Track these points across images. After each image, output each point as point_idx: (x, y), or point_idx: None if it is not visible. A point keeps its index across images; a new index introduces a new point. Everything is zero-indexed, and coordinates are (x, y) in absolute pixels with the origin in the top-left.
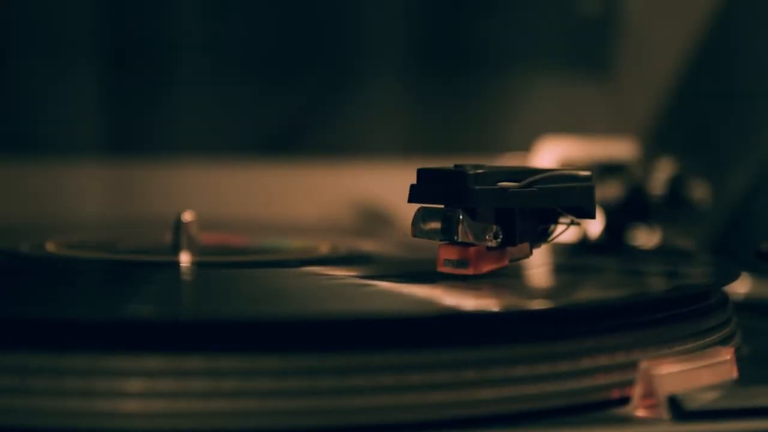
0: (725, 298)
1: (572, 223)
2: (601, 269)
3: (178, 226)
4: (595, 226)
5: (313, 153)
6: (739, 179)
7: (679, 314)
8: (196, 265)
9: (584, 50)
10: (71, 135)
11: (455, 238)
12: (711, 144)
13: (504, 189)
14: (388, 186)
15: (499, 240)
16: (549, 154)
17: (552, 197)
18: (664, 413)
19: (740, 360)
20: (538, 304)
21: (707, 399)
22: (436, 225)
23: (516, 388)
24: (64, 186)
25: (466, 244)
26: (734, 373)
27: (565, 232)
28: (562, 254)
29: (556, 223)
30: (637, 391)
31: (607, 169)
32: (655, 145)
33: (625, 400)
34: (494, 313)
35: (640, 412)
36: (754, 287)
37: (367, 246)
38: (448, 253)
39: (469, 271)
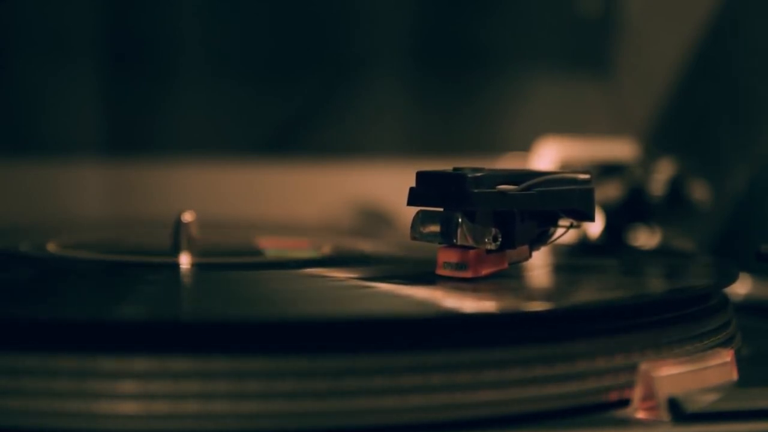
0: (725, 300)
1: (572, 225)
2: (601, 270)
3: (178, 226)
4: (595, 227)
5: (313, 153)
6: (739, 179)
7: (680, 316)
8: (196, 266)
9: (584, 50)
10: (71, 135)
11: (454, 241)
12: (711, 144)
13: (503, 192)
14: (388, 186)
15: (498, 243)
16: (549, 155)
17: (551, 200)
18: (665, 415)
19: (740, 361)
20: (537, 306)
21: (707, 401)
22: (435, 228)
23: (516, 390)
24: (64, 186)
25: (465, 247)
26: (734, 375)
27: (565, 234)
28: (562, 255)
29: (556, 225)
30: (637, 393)
31: (608, 170)
32: (655, 145)
33: (625, 402)
34: (494, 315)
35: (641, 414)
36: (754, 288)
37: (367, 246)
38: (447, 256)
39: (468, 274)
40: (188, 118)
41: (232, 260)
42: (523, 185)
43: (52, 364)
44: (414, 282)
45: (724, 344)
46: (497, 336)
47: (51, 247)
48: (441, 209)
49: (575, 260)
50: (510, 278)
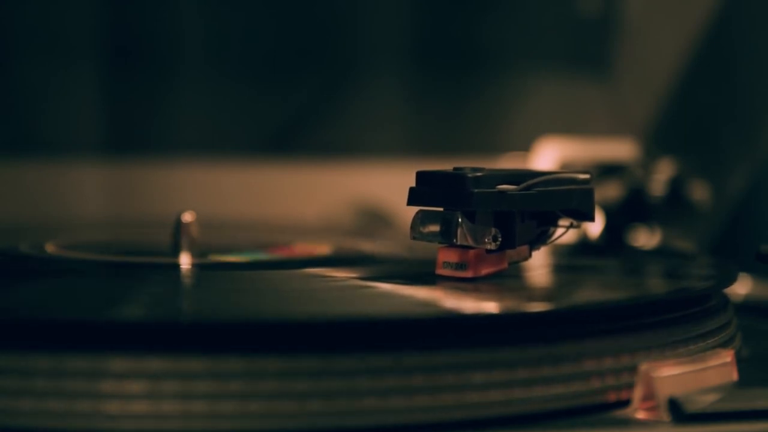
0: (726, 300)
1: (571, 225)
2: (601, 271)
3: (178, 226)
4: (595, 227)
5: (313, 153)
6: (739, 179)
7: (680, 316)
8: (197, 266)
9: (584, 50)
10: (71, 135)
11: (454, 240)
12: (711, 144)
13: (503, 192)
14: (388, 186)
15: (498, 243)
16: (549, 155)
17: (551, 200)
18: (665, 415)
19: (740, 362)
20: (537, 307)
21: (707, 401)
22: (435, 228)
23: (515, 391)
24: (64, 186)
25: (465, 247)
26: (735, 375)
27: (565, 234)
28: (563, 255)
29: (556, 225)
30: (637, 394)
31: (608, 170)
32: (655, 145)
33: (625, 403)
34: (494, 316)
35: (641, 415)
36: (754, 288)
37: (368, 247)
38: (447, 256)
39: (468, 274)
40: (188, 118)
41: (233, 260)
42: (523, 185)
43: (59, 365)
44: (415, 282)
45: (725, 345)
46: (497, 337)
47: (51, 247)
48: (441, 209)
49: (575, 260)
50: (510, 278)
